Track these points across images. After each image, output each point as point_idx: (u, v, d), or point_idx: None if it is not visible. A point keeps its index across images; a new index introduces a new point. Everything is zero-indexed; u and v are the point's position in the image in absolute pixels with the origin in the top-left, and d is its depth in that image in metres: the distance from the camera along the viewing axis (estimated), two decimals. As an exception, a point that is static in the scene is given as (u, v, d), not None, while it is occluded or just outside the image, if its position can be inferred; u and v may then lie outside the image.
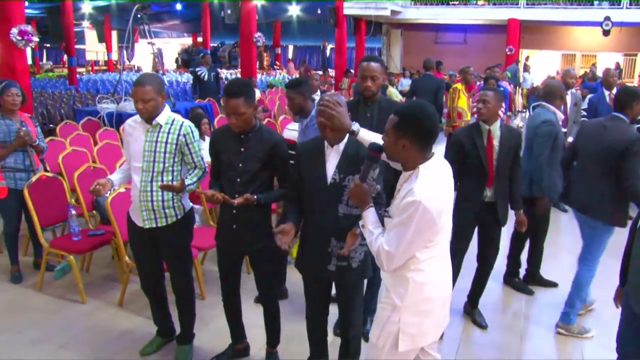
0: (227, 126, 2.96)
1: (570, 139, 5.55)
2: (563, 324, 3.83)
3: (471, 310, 4.01)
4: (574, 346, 3.71)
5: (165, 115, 3.07)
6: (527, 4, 18.39)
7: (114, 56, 28.18)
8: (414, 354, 2.30)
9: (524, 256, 4.61)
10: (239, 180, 2.93)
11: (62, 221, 4.57)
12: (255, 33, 12.68)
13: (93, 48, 29.73)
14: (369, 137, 2.51)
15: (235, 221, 3.00)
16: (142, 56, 26.79)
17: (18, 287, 4.39)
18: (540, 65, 21.04)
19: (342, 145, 2.62)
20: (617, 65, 19.52)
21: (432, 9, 19.45)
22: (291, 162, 2.90)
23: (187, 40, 32.41)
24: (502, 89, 7.89)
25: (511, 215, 3.84)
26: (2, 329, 3.75)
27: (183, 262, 3.30)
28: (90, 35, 28.20)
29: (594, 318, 4.06)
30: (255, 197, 2.87)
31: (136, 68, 25.51)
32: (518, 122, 7.83)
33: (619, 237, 3.43)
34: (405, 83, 15.36)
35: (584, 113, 6.95)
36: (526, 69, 16.97)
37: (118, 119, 7.65)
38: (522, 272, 4.62)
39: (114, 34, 27.56)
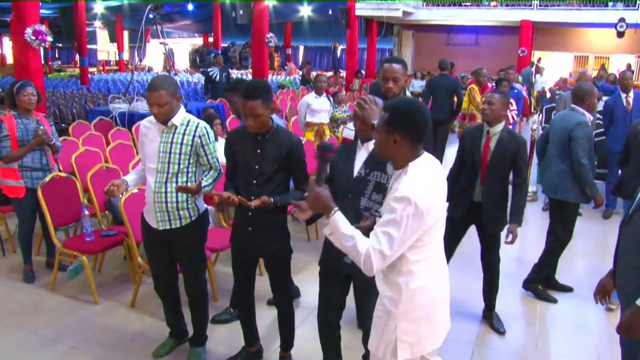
0: (244, 127, 2.93)
1: None
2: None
3: (488, 314, 3.96)
4: (590, 353, 3.65)
5: (181, 116, 3.05)
6: (540, 6, 18.24)
7: (125, 56, 28.33)
8: None
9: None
10: (255, 181, 2.91)
11: (75, 221, 4.57)
12: (267, 33, 12.69)
13: (104, 48, 29.91)
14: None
15: (251, 223, 2.97)
16: (153, 56, 26.97)
17: (31, 287, 4.39)
18: (552, 67, 20.89)
19: (371, 144, 2.64)
20: (629, 66, 19.34)
21: (444, 10, 19.36)
22: None
23: (198, 41, 32.52)
24: (516, 91, 7.84)
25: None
26: (16, 328, 3.76)
27: (197, 264, 3.28)
28: (102, 35, 28.38)
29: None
30: (271, 199, 2.85)
31: (147, 68, 25.61)
32: (532, 125, 7.74)
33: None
34: (417, 84, 15.31)
35: (599, 116, 6.88)
36: (538, 70, 16.81)
37: (130, 119, 7.68)
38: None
39: (126, 33, 27.72)
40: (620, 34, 16.77)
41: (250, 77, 18.02)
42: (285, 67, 25.90)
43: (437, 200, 2.09)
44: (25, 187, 4.32)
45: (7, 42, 31.35)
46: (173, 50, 22.73)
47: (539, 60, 17.96)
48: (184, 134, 3.03)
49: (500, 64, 10.58)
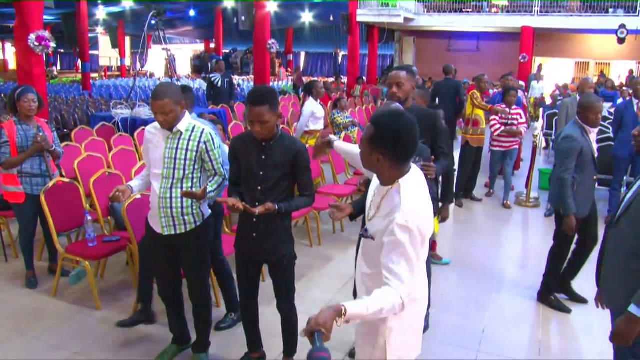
0: (248, 133, 2.94)
1: None
2: None
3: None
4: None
5: (186, 122, 3.05)
6: (541, 12, 18.29)
7: (127, 62, 28.40)
8: None
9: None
10: (259, 188, 2.91)
11: (77, 227, 4.58)
12: (269, 40, 12.72)
13: (106, 54, 29.97)
14: (346, 147, 2.79)
15: (255, 229, 2.97)
16: (155, 62, 27.05)
17: (33, 292, 4.39)
18: (553, 73, 20.92)
19: None
20: (631, 72, 19.38)
21: (445, 16, 19.41)
22: None
23: (200, 47, 32.64)
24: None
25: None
26: (19, 334, 3.75)
27: (201, 269, 3.28)
28: (104, 40, 28.45)
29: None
30: (276, 206, 2.85)
31: (149, 74, 25.68)
32: (534, 131, 7.74)
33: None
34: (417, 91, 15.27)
35: (602, 122, 6.86)
36: (536, 77, 16.78)
37: (132, 125, 7.69)
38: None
39: (128, 39, 27.81)
40: (621, 40, 16.80)
41: (251, 83, 18.08)
42: (287, 72, 25.94)
43: (430, 221, 2.08)
44: (25, 193, 4.32)
45: (9, 48, 31.51)
46: (175, 56, 22.84)
47: (540, 66, 17.98)
48: (189, 140, 3.03)
49: (502, 70, 10.55)
